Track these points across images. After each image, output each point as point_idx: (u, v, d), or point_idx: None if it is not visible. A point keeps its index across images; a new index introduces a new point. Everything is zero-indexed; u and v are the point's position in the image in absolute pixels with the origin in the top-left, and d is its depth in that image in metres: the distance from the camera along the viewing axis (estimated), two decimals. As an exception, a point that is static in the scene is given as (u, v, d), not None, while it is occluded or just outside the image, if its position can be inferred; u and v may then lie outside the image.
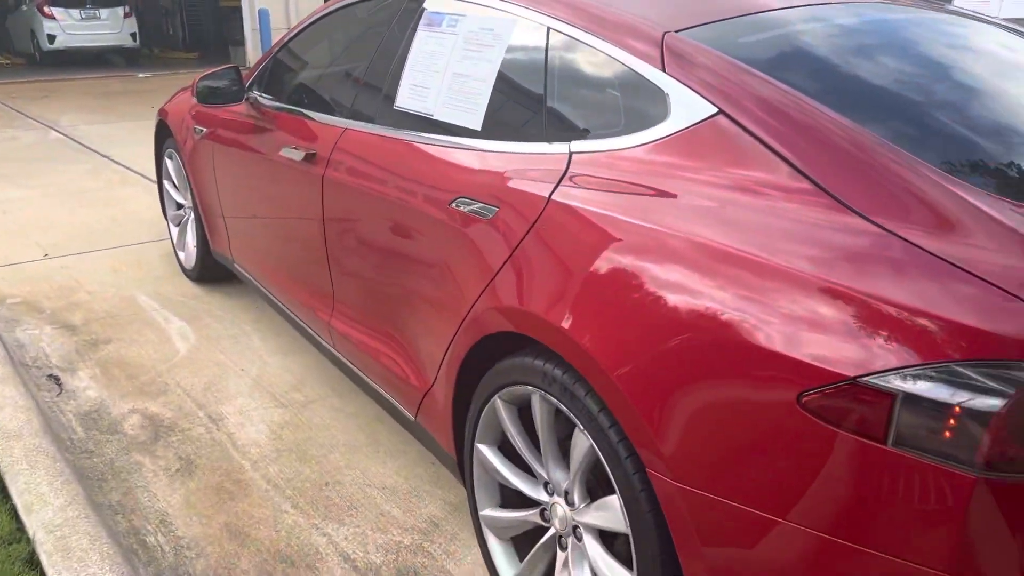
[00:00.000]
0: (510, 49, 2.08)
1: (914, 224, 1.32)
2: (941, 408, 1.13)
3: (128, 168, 6.63)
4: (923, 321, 1.17)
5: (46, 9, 15.13)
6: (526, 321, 1.75)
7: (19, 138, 8.05)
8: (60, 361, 3.28)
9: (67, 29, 15.26)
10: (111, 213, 5.36)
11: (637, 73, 1.76)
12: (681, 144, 1.64)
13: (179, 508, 2.41)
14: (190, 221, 4.08)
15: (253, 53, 14.36)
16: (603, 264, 1.59)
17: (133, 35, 16.02)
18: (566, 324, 1.61)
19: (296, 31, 3.19)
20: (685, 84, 1.67)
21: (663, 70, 1.71)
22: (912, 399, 1.15)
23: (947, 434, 1.13)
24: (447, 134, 2.16)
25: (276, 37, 13.85)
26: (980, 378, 1.12)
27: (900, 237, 1.30)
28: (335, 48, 2.96)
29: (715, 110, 1.61)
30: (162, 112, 4.10)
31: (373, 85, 2.55)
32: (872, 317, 1.23)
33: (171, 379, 3.16)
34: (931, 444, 1.15)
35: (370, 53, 2.63)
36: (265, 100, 3.14)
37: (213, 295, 3.99)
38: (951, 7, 2.48)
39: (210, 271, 4.00)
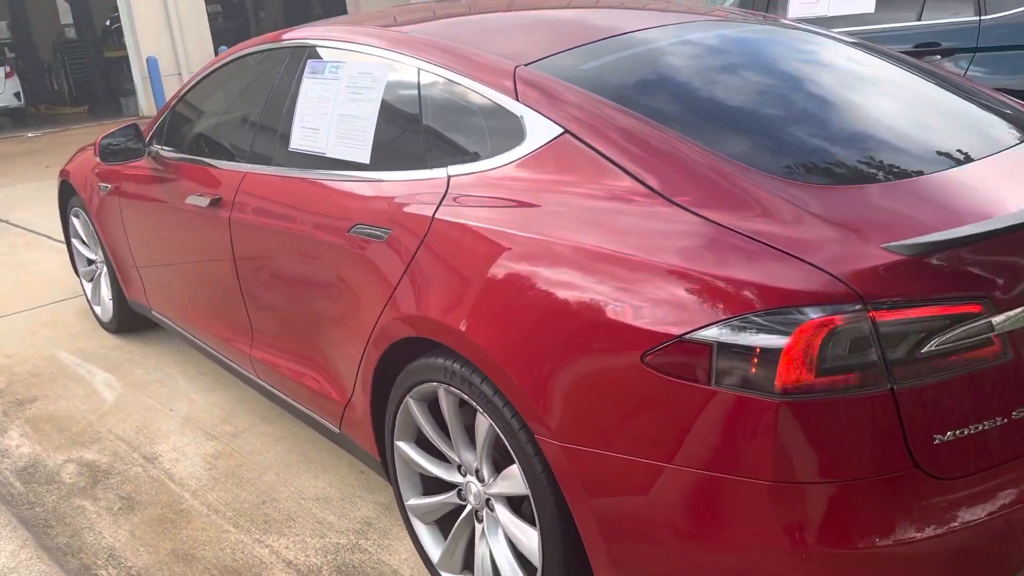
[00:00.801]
0: (387, 89, 2.34)
1: (719, 209, 1.63)
2: (745, 351, 1.44)
3: (30, 230, 6.61)
4: (724, 284, 1.49)
5: (-79, 76, 14.66)
6: (425, 326, 2.00)
7: (-90, 211, 7.87)
8: (-12, 423, 3.37)
9: (-54, 94, 14.80)
10: (18, 276, 5.38)
11: (496, 104, 2.04)
12: (537, 161, 1.92)
13: (126, 541, 2.56)
14: (103, 275, 4.19)
15: (146, 101, 14.24)
16: (483, 268, 1.86)
17: (17, 95, 15.62)
18: (459, 324, 1.88)
19: (190, 84, 3.38)
20: (535, 110, 1.96)
21: (516, 99, 2.00)
22: (724, 347, 1.46)
23: (752, 370, 1.44)
24: (340, 169, 2.40)
25: (167, 84, 13.81)
26: (769, 323, 1.43)
27: (710, 220, 1.61)
28: (230, 98, 3.17)
29: (561, 130, 1.90)
30: (64, 172, 4.20)
31: (268, 130, 2.77)
32: (689, 286, 1.53)
33: (102, 427, 3.29)
34: (742, 381, 1.45)
35: (263, 100, 2.85)
36: (166, 152, 3.32)
37: (134, 344, 4.11)
38: (782, 20, 2.86)
39: (128, 322, 4.12)
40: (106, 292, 4.18)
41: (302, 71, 2.67)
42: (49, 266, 5.51)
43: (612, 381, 1.60)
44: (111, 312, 4.16)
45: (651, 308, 1.55)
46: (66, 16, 22.52)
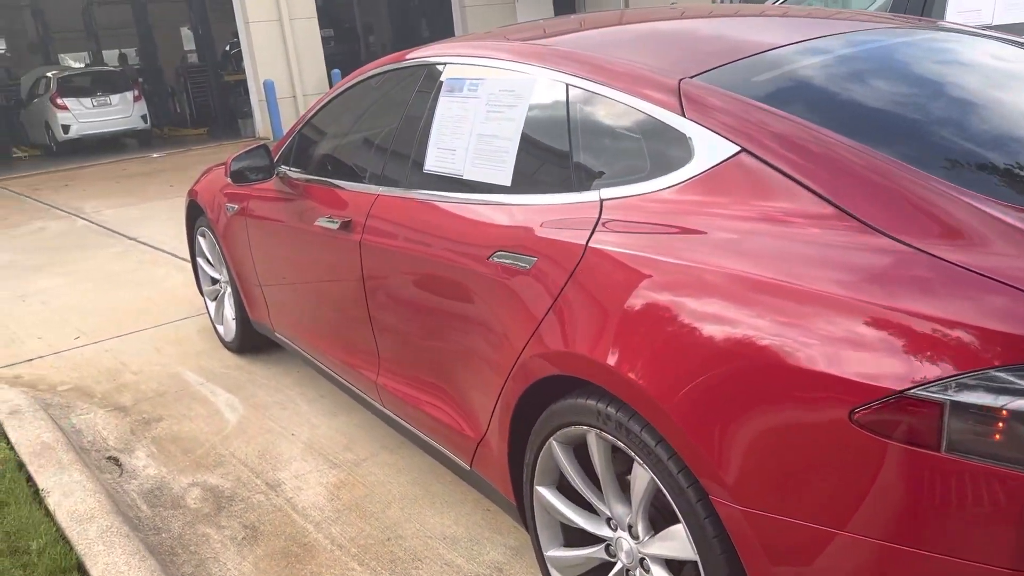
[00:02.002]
0: (532, 107, 2.19)
1: (936, 239, 1.40)
2: (988, 413, 1.20)
3: (156, 248, 6.81)
4: (958, 332, 1.25)
5: (58, 101, 15.59)
6: (575, 364, 1.83)
7: (47, 228, 8.28)
8: (117, 443, 3.38)
9: (80, 118, 15.69)
10: (146, 294, 5.51)
11: (658, 120, 1.86)
12: (707, 183, 1.73)
13: (250, 575, 2.48)
14: (227, 295, 4.20)
15: (262, 123, 14.72)
16: (645, 303, 1.67)
17: (144, 117, 16.45)
18: (616, 363, 1.69)
19: (318, 106, 3.33)
20: (704, 126, 1.77)
21: (683, 115, 1.81)
22: (959, 407, 1.22)
23: (997, 436, 1.20)
24: (479, 192, 2.27)
25: (283, 106, 14.22)
26: (1019, 381, 1.19)
27: (926, 252, 1.38)
28: (359, 119, 3.10)
29: (737, 148, 1.70)
30: (192, 192, 4.25)
31: (401, 151, 2.67)
32: (911, 332, 1.30)
33: (225, 450, 3.25)
34: (983, 447, 1.21)
35: (395, 121, 2.76)
36: (294, 174, 3.27)
37: (255, 364, 4.10)
38: (943, 23, 2.58)
39: (250, 341, 4.11)
40: (229, 312, 4.20)
41: (437, 90, 2.55)
42: (174, 283, 5.63)
43: (811, 438, 1.38)
44: (234, 332, 4.17)
45: (861, 356, 1.33)
46: (189, 42, 23.71)
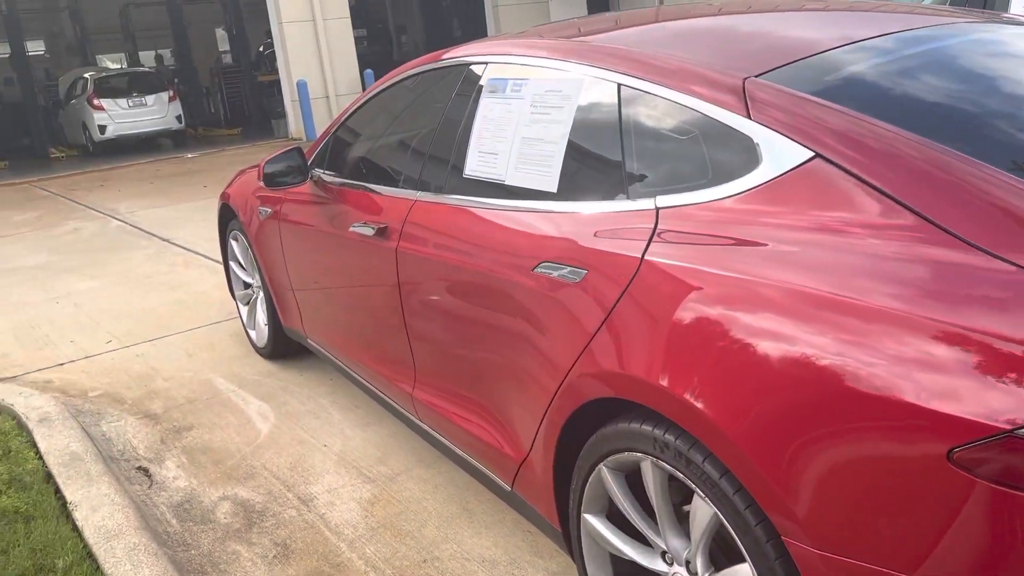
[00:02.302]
0: (580, 109, 2.06)
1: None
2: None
3: (189, 250, 6.78)
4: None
5: (95, 101, 15.75)
6: (629, 386, 1.70)
7: (82, 229, 8.31)
8: (147, 452, 3.31)
9: (116, 118, 15.83)
10: (178, 296, 5.46)
11: (720, 122, 1.72)
12: (777, 191, 1.59)
13: (281, 597, 2.38)
14: (259, 300, 4.12)
15: (295, 123, 14.73)
16: (708, 321, 1.54)
17: (178, 117, 16.57)
18: (675, 387, 1.56)
19: (353, 108, 3.23)
20: (774, 129, 1.63)
21: (748, 117, 1.68)
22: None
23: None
24: (523, 198, 2.14)
25: (315, 107, 14.20)
26: None
27: (1034, 272, 1.23)
28: (396, 121, 2.99)
29: (810, 154, 1.56)
30: (224, 196, 4.18)
31: (439, 155, 2.55)
32: (1019, 362, 1.15)
33: (256, 461, 3.16)
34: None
35: (433, 123, 2.64)
36: (329, 177, 3.17)
37: (287, 371, 4.01)
38: (1008, 16, 2.41)
39: (282, 348, 4.03)
40: (262, 317, 4.11)
41: (478, 91, 2.44)
42: (206, 286, 5.58)
43: (901, 476, 1.24)
44: (266, 337, 4.09)
45: (959, 387, 1.19)
46: (223, 43, 23.88)
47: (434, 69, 2.77)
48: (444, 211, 2.41)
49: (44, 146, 17.10)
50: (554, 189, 2.06)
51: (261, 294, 4.06)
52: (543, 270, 1.97)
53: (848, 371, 1.30)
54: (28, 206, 10.30)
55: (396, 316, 2.67)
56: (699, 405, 1.51)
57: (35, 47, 23.18)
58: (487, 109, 2.37)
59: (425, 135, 2.69)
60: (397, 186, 2.72)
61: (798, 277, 1.44)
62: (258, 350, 4.23)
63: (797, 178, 1.57)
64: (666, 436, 1.62)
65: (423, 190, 2.56)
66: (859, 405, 1.28)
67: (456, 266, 2.28)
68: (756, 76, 1.75)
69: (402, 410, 2.84)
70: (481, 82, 2.44)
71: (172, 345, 4.53)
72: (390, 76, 3.05)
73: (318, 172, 3.25)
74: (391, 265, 2.61)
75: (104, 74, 16.99)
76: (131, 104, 16.01)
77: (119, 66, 22.03)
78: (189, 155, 14.30)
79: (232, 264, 4.35)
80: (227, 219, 4.27)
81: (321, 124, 14.41)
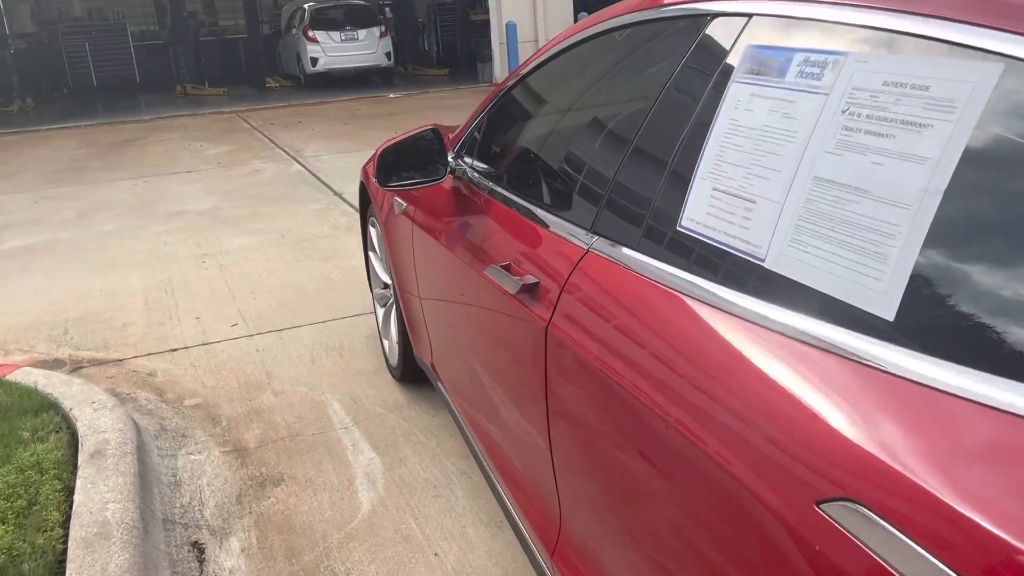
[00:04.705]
0: (983, 130, 0.88)
1: None
2: None
3: (358, 210, 6.08)
4: None
5: (310, 33, 15.69)
6: None
7: (262, 171, 7.90)
8: (214, 515, 2.51)
9: (328, 51, 15.72)
10: (327, 271, 4.73)
11: None
12: None
13: None
14: (394, 308, 3.23)
15: (500, 68, 13.89)
16: None
17: (388, 54, 16.23)
18: None
19: (521, 74, 2.17)
20: None
21: None
22: None
23: None
24: (801, 313, 1.00)
25: (523, 51, 13.23)
26: None
27: None
28: (577, 102, 1.90)
29: None
30: (365, 171, 3.29)
31: (634, 181, 1.45)
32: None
33: (340, 562, 2.27)
34: None
35: (634, 117, 1.53)
36: (475, 174, 2.15)
37: (416, 407, 3.10)
38: None
39: (414, 372, 3.12)
40: (394, 329, 3.22)
41: (726, 68, 1.29)
42: (359, 262, 4.78)
43: None
44: (396, 356, 3.20)
45: None
46: (443, -21, 23.40)
47: (646, 21, 1.64)
48: (632, 285, 1.32)
49: (262, 76, 17.43)
50: (890, 315, 0.91)
51: (395, 301, 3.15)
52: (835, 511, 0.84)
53: None
54: (225, 139, 10.16)
55: (538, 425, 1.63)
56: None
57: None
58: (740, 105, 1.23)
59: (618, 135, 1.59)
60: (561, 215, 1.65)
61: None
62: (389, 367, 3.36)
63: None
64: None
65: (603, 235, 1.47)
66: None
67: (646, 408, 1.19)
68: None
69: (539, 560, 1.81)
70: (731, 52, 1.29)
71: (299, 340, 3.76)
72: (585, 24, 1.95)
73: (464, 163, 2.24)
74: (538, 348, 1.56)
75: (321, 5, 16.91)
76: (343, 38, 15.82)
77: (341, -2, 22.20)
78: (391, 95, 13.89)
79: (371, 255, 3.48)
80: (367, 200, 3.38)
81: (527, 70, 13.45)
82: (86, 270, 5.02)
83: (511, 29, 13.16)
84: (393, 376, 3.32)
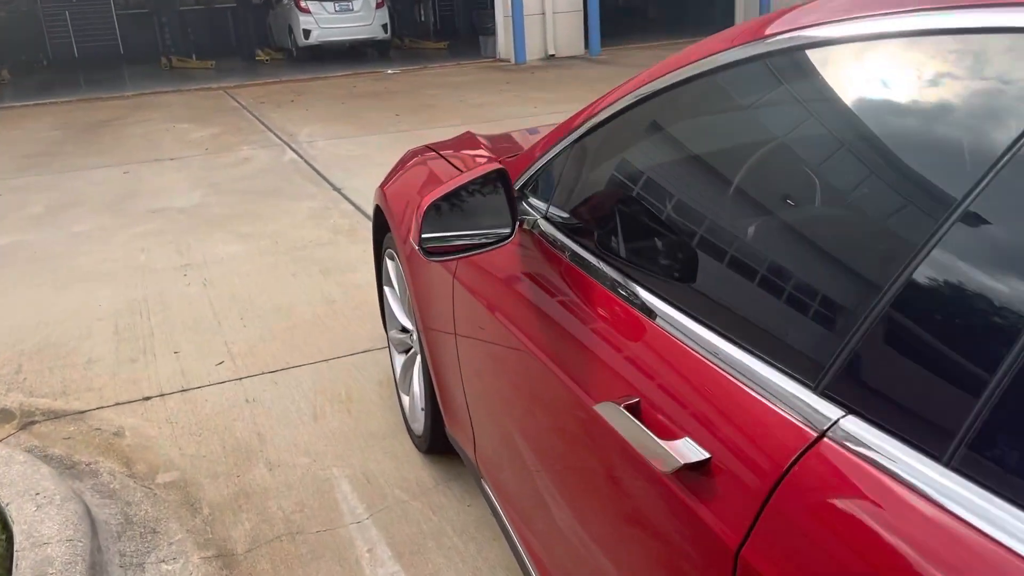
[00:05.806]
0: None
1: None
2: None
3: (359, 210, 5.42)
4: None
5: (302, 4, 14.87)
6: None
7: (252, 159, 7.20)
8: (190, 666, 1.90)
9: (321, 23, 14.92)
10: (328, 290, 4.08)
11: None
12: None
13: None
14: (418, 362, 2.59)
15: (504, 43, 13.14)
16: None
17: (384, 26, 15.43)
18: None
19: (617, 102, 1.50)
20: None
21: None
22: None
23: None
24: None
25: (529, 24, 12.53)
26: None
27: None
28: (692, 158, 1.26)
29: None
30: (380, 192, 2.64)
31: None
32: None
33: None
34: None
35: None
36: (555, 229, 1.52)
37: (447, 490, 2.48)
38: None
39: (442, 444, 2.50)
40: (418, 388, 2.59)
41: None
42: (365, 278, 4.14)
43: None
44: (421, 424, 2.57)
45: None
46: (440, -54, 22.45)
47: (761, 56, 1.00)
48: (928, 529, 0.69)
49: (252, 48, 16.57)
50: None
51: (419, 351, 2.52)
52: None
53: None
54: (211, 120, 9.43)
55: None
56: None
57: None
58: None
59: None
60: (669, 301, 1.02)
61: None
62: (410, 432, 2.73)
63: None
64: None
65: (849, 406, 0.84)
66: None
67: None
68: None
69: None
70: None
71: (298, 386, 3.13)
72: (680, 60, 1.29)
73: (537, 212, 1.60)
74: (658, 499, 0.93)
75: (314, -26, 16.02)
76: (337, 8, 15.00)
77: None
78: (389, 71, 13.13)
79: (387, 290, 2.84)
80: (383, 224, 2.73)
81: (534, 47, 12.70)
82: (50, 283, 4.36)
83: (517, 1, 12.40)
84: (415, 445, 2.69)
